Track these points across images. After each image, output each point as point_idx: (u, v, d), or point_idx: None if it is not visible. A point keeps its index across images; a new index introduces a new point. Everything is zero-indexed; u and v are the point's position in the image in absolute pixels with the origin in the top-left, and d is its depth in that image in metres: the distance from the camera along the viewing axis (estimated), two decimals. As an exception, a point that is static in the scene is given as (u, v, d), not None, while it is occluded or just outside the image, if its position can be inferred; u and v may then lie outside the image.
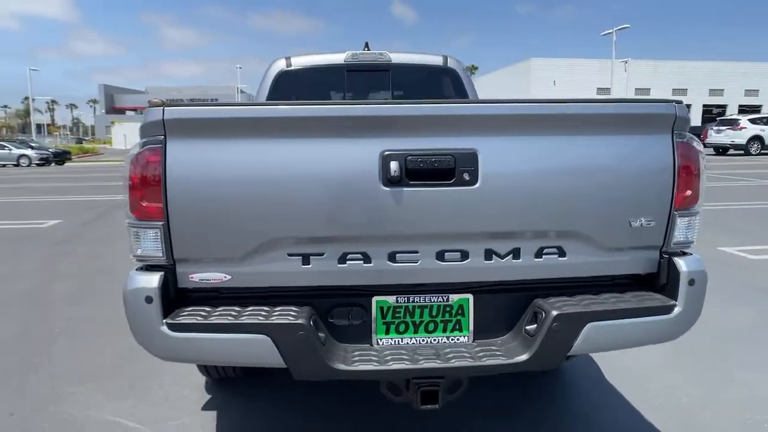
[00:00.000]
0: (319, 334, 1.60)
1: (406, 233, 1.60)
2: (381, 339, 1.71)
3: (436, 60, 3.80)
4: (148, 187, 1.51)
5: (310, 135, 1.55)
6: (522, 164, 1.60)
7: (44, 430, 2.26)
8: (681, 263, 1.70)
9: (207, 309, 1.61)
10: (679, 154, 1.67)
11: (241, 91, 57.14)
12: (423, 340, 1.72)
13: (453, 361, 1.60)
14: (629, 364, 2.81)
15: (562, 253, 1.68)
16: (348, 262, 1.62)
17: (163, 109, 1.51)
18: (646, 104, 1.67)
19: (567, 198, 1.62)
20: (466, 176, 1.56)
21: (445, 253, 1.64)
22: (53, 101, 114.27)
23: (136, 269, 1.59)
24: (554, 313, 1.61)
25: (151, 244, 1.55)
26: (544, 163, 1.61)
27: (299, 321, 1.53)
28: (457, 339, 1.73)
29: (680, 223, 1.71)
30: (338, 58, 3.73)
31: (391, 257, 1.63)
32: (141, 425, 2.28)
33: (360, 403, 2.45)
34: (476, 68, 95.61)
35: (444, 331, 1.73)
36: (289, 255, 1.59)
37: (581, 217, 1.65)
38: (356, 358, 1.61)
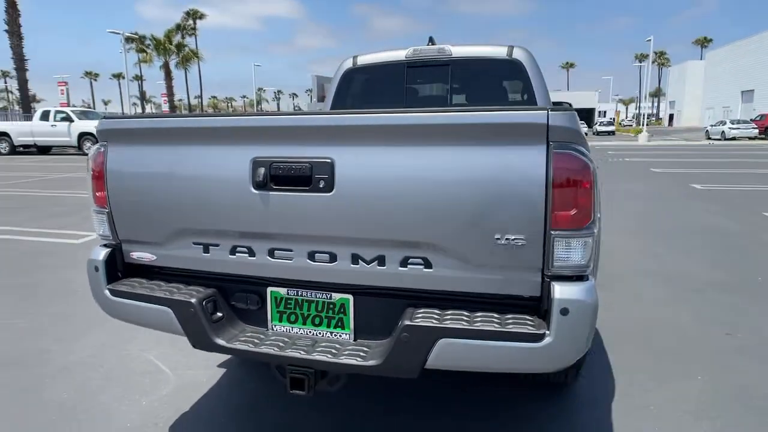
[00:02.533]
0: (217, 314, 1.88)
1: (275, 232, 1.75)
2: (276, 325, 1.90)
3: (499, 51, 3.63)
4: (97, 182, 1.97)
5: (199, 142, 1.81)
6: (377, 174, 1.61)
7: (112, 360, 3.01)
8: (556, 289, 1.50)
9: (142, 281, 2.01)
10: (554, 168, 1.47)
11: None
12: (310, 332, 1.86)
13: (315, 354, 1.71)
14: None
15: (428, 264, 1.64)
16: (237, 254, 1.85)
17: (102, 121, 1.94)
18: (511, 113, 1.50)
19: (423, 209, 1.58)
20: (322, 183, 1.64)
21: (315, 254, 1.75)
22: (279, 91, 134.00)
23: (99, 245, 2.07)
24: (405, 323, 1.60)
25: (105, 227, 2.02)
26: (399, 173, 1.59)
27: (191, 300, 1.82)
28: (339, 336, 1.82)
29: (560, 244, 1.51)
30: (401, 54, 3.84)
31: (270, 253, 1.80)
32: (166, 366, 2.88)
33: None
34: (710, 41, 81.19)
35: (328, 326, 1.84)
36: (194, 243, 1.89)
37: (438, 229, 1.58)
38: (241, 338, 1.84)
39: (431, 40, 3.89)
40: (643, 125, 36.08)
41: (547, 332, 1.51)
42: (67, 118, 19.85)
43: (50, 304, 3.94)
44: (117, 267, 2.02)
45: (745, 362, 2.89)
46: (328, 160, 1.63)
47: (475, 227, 1.54)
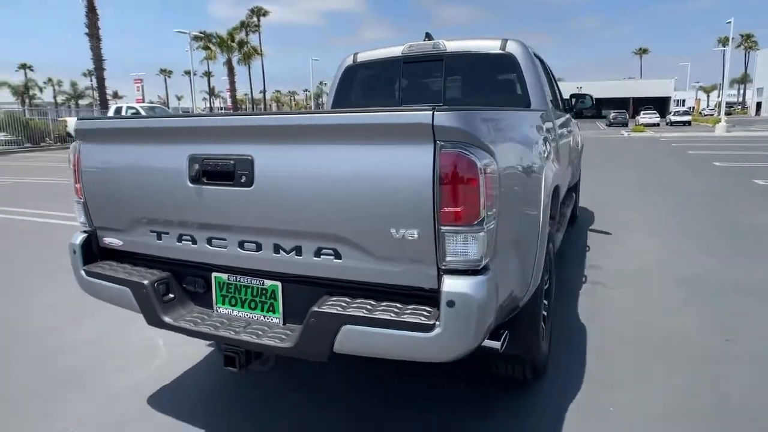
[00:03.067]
0: (169, 295, 2.09)
1: (210, 222, 1.93)
2: (219, 308, 2.08)
3: (492, 45, 3.62)
4: (74, 175, 2.23)
5: (149, 141, 2.01)
6: (290, 170, 1.74)
7: (120, 341, 3.35)
8: (445, 282, 1.57)
9: (112, 263, 2.26)
10: (441, 166, 1.53)
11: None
12: (247, 315, 2.02)
13: (242, 334, 1.88)
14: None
15: (338, 255, 1.75)
16: (183, 241, 2.04)
17: (77, 121, 2.19)
18: (399, 114, 1.57)
19: (328, 203, 1.69)
20: (243, 179, 1.80)
21: (245, 243, 1.91)
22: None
23: (79, 231, 2.34)
24: (312, 309, 1.73)
25: (82, 215, 2.28)
26: (307, 169, 1.71)
27: (144, 281, 2.04)
28: (270, 319, 1.98)
29: (450, 239, 1.57)
30: (397, 50, 3.91)
31: (209, 241, 1.98)
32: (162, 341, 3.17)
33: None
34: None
35: (262, 310, 1.99)
36: (150, 231, 2.11)
37: (343, 223, 1.69)
38: (187, 318, 2.04)
39: (428, 36, 3.93)
40: (721, 114, 33.52)
41: (437, 323, 1.58)
42: (137, 114, 21.39)
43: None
44: (93, 251, 2.28)
45: None
46: (249, 157, 1.78)
47: (374, 222, 1.64)
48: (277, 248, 1.85)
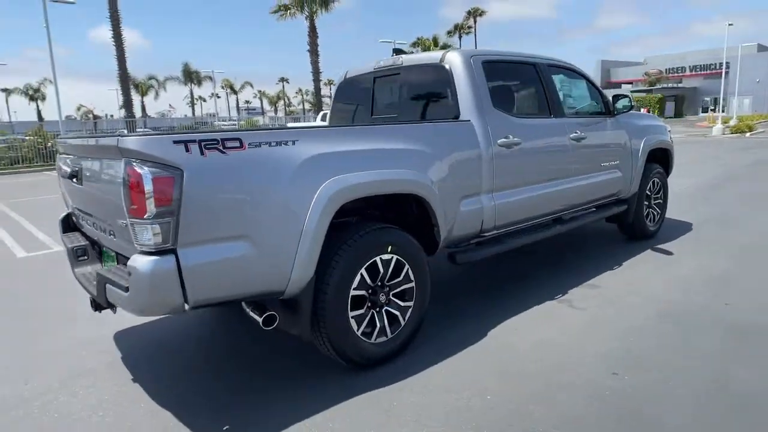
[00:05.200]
0: (84, 256, 3.13)
1: (81, 208, 2.89)
2: (104, 264, 3.01)
3: (434, 57, 3.81)
4: None
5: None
6: (92, 175, 2.57)
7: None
8: (131, 258, 2.21)
9: (77, 234, 3.42)
10: (125, 175, 2.17)
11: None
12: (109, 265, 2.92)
13: (89, 284, 2.80)
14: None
15: (114, 235, 2.53)
16: (82, 221, 3.06)
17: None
18: (107, 139, 2.24)
19: (104, 200, 2.48)
20: (75, 179, 2.70)
21: (96, 225, 2.81)
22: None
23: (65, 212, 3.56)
24: (96, 271, 2.55)
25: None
26: (99, 175, 2.53)
27: (67, 245, 3.12)
28: (112, 267, 2.81)
29: (135, 228, 2.20)
30: (371, 66, 4.36)
31: (86, 221, 2.95)
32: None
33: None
34: None
35: (112, 262, 2.84)
36: (74, 212, 3.19)
37: (112, 216, 2.45)
38: (82, 267, 3.03)
39: (395, 51, 4.24)
40: None
41: (129, 287, 2.23)
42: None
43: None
44: (70, 225, 3.47)
45: None
46: (78, 166, 2.69)
47: (115, 215, 2.37)
48: (98, 227, 2.72)
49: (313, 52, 29.76)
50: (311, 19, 29.62)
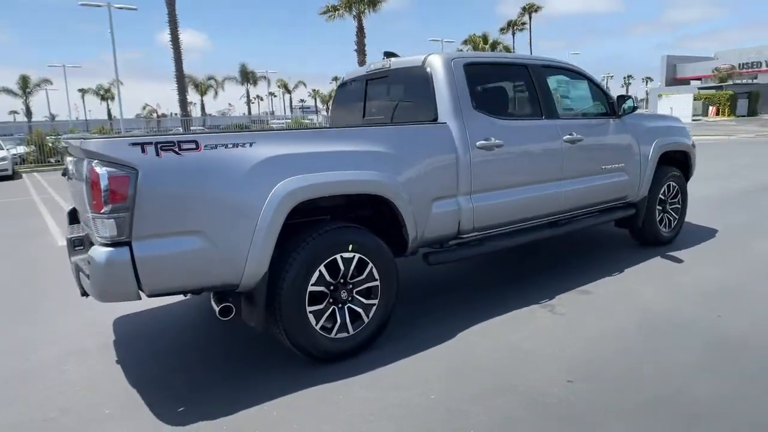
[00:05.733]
0: (80, 246, 3.42)
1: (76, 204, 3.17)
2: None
3: (417, 60, 3.86)
4: None
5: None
6: (77, 175, 2.82)
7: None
8: (91, 248, 2.43)
9: (80, 225, 3.74)
10: (87, 173, 2.39)
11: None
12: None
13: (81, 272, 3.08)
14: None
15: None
16: (78, 214, 3.34)
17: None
18: (79, 140, 2.45)
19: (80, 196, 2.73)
20: (67, 175, 2.97)
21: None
22: (630, 76, 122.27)
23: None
24: (71, 258, 2.79)
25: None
26: (79, 174, 2.77)
27: (66, 236, 3.43)
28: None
29: (97, 223, 2.41)
30: (364, 69, 4.46)
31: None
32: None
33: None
34: None
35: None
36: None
37: (84, 211, 2.69)
38: (78, 256, 3.31)
39: (386, 54, 4.31)
40: None
41: (90, 276, 2.46)
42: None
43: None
44: (75, 218, 3.79)
45: None
46: (70, 165, 2.96)
47: (84, 209, 2.62)
48: (87, 223, 2.98)
49: (360, 51, 30.08)
50: (359, 19, 29.96)
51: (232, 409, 2.64)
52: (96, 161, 2.40)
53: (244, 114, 65.42)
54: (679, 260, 4.86)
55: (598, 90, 4.73)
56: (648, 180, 4.98)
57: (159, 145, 2.48)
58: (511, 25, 57.11)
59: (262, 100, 77.36)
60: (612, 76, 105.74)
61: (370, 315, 3.18)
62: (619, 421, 2.42)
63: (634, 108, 4.68)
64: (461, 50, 39.67)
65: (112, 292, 2.49)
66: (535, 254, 5.29)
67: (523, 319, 3.65)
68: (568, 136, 4.20)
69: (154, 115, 60.97)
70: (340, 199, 3.21)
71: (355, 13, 29.93)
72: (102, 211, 2.40)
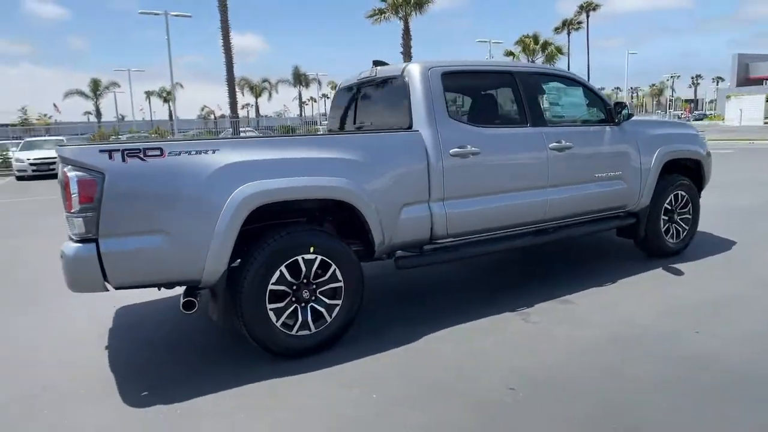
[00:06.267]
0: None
1: None
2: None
3: (397, 69, 3.97)
4: None
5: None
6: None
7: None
8: (64, 245, 2.71)
9: None
10: (63, 176, 2.67)
11: None
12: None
13: None
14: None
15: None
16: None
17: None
18: (64, 148, 2.74)
19: None
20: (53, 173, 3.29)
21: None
22: (698, 76, 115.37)
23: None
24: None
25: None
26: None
27: None
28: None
29: (72, 221, 2.68)
30: (356, 77, 4.61)
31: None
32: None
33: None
34: None
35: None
36: None
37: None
38: None
39: (375, 63, 4.42)
40: None
41: None
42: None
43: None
44: None
45: None
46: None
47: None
48: None
49: (406, 54, 30.28)
50: (405, 21, 30.18)
51: (191, 395, 2.85)
52: (69, 166, 2.68)
53: (297, 115, 67.19)
54: (680, 272, 4.69)
55: (594, 97, 4.66)
56: (650, 189, 4.83)
57: (125, 152, 2.74)
58: (567, 25, 55.46)
59: (315, 101, 79.12)
60: (678, 77, 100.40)
61: (333, 315, 3.32)
62: (550, 429, 2.44)
63: (630, 115, 4.57)
64: (512, 52, 39.36)
65: (80, 283, 2.77)
66: (524, 262, 5.26)
67: (494, 326, 3.67)
68: (555, 144, 4.17)
69: (212, 116, 63.79)
70: (314, 203, 3.37)
71: (401, 16, 30.20)
72: (72, 210, 2.67)
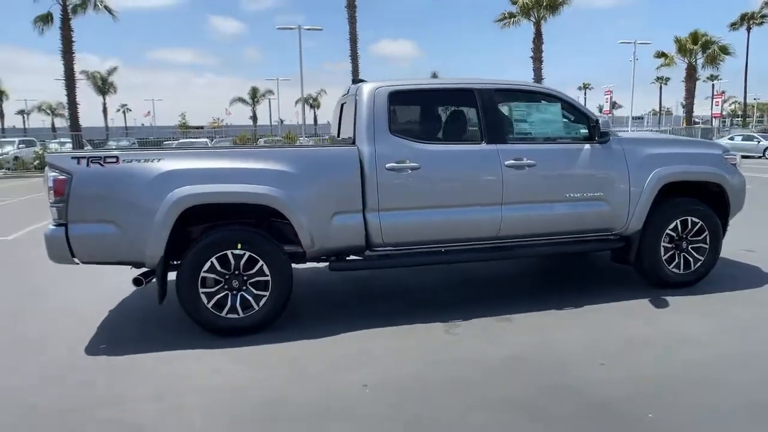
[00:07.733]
0: None
1: None
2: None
3: (354, 89, 4.36)
4: None
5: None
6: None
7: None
8: (46, 228, 3.64)
9: None
10: (47, 175, 3.59)
11: None
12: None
13: None
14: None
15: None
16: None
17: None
18: (50, 154, 3.66)
19: None
20: None
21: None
22: None
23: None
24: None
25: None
26: None
27: None
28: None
29: (50, 209, 3.60)
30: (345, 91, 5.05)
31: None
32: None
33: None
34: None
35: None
36: None
37: None
38: None
39: (354, 81, 4.79)
40: None
41: None
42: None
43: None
44: None
45: None
46: None
47: None
48: None
49: (537, 58, 29.15)
50: (537, 24, 29.10)
51: (132, 352, 3.60)
52: (48, 168, 3.61)
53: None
54: (664, 304, 4.29)
55: (576, 113, 4.47)
56: (642, 212, 4.46)
57: (89, 159, 3.58)
58: (746, 19, 47.77)
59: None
60: None
61: (260, 304, 3.83)
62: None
63: (604, 133, 4.30)
64: (664, 53, 35.14)
65: (56, 257, 3.68)
66: (520, 275, 5.17)
67: (413, 334, 3.85)
68: (512, 161, 4.16)
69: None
70: (252, 208, 3.92)
71: (534, 19, 29.18)
72: (51, 202, 3.59)
